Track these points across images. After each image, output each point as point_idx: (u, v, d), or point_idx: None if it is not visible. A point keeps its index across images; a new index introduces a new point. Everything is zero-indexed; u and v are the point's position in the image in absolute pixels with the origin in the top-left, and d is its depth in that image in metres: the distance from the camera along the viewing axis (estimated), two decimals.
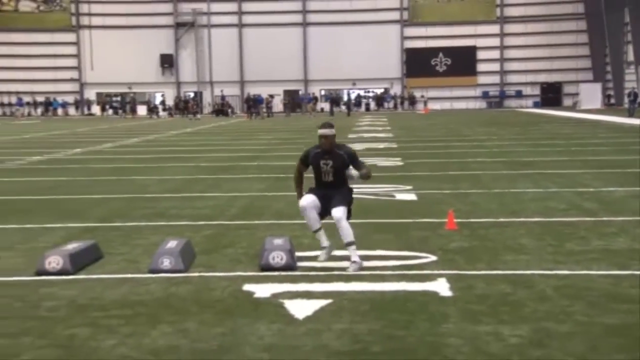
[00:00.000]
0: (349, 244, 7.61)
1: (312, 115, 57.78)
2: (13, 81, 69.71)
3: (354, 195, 8.03)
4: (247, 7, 70.79)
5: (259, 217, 10.96)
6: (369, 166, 8.16)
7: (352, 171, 7.86)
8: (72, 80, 71.18)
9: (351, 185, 7.98)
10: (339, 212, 7.60)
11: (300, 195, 8.00)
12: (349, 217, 7.77)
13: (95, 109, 70.26)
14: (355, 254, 7.59)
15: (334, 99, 64.01)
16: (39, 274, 7.40)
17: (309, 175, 8.10)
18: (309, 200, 7.78)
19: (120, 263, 7.97)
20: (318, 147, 7.93)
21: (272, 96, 62.05)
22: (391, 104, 71.17)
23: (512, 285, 6.81)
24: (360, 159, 8.01)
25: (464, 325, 5.68)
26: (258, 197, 13.08)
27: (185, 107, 64.03)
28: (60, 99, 69.15)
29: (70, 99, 70.54)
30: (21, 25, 70.41)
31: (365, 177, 7.85)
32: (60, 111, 67.54)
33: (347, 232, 7.61)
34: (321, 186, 7.90)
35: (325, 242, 7.89)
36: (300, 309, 6.14)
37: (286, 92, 69.08)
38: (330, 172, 7.84)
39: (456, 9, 70.64)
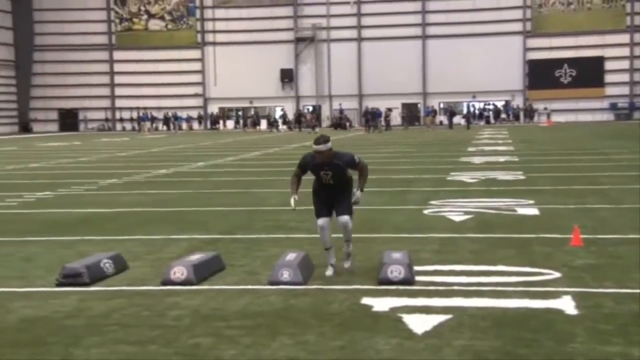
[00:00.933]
0: (348, 240, 8.18)
1: (430, 128, 57.29)
2: (141, 97, 72.65)
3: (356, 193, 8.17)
4: (366, 21, 71.14)
5: (377, 230, 10.93)
6: (365, 166, 8.17)
7: (356, 194, 8.10)
8: (196, 95, 73.48)
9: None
10: (345, 219, 8.03)
11: (293, 193, 8.18)
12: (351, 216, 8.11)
13: (218, 124, 72.24)
14: (350, 248, 8.21)
15: (452, 112, 63.31)
16: (164, 283, 7.62)
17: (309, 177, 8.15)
18: (325, 220, 8.06)
19: (241, 274, 8.11)
20: (315, 157, 8.01)
21: (390, 109, 61.98)
22: (512, 117, 69.71)
23: None
24: (357, 156, 8.10)
25: (592, 345, 5.46)
26: (376, 211, 13.05)
27: (298, 120, 64.94)
28: (185, 113, 71.43)
29: (194, 113, 72.77)
30: (150, 43, 73.35)
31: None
32: (184, 125, 69.79)
33: (350, 234, 8.15)
34: (322, 187, 8.13)
35: (333, 259, 8.13)
36: (419, 323, 6.06)
37: (404, 105, 68.85)
38: (331, 179, 8.04)
39: (582, 18, 68.51)
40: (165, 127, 69.41)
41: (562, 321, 6.11)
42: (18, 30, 72.60)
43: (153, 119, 70.53)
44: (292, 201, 8.17)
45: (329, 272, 8.06)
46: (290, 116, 70.34)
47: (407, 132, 54.13)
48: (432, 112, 63.25)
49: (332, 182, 8.05)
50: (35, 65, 74.31)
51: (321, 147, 7.91)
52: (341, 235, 8.22)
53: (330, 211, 8.13)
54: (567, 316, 6.27)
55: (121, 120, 73.71)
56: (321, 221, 8.07)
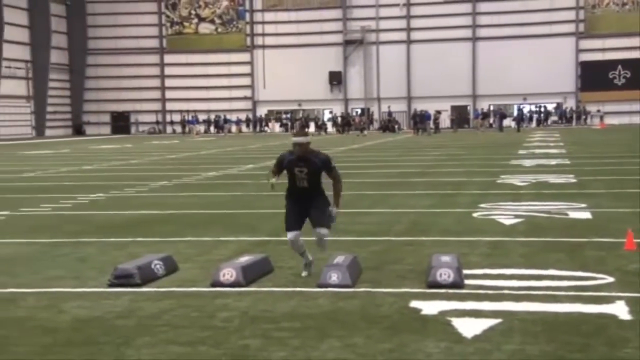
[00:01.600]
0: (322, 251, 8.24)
1: (480, 131, 56.77)
2: (191, 100, 73.46)
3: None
4: (415, 23, 70.84)
5: (426, 233, 10.87)
6: (340, 176, 8.22)
7: (332, 211, 8.07)
8: (245, 98, 73.99)
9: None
10: (324, 231, 8.03)
11: (271, 176, 8.16)
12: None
13: (267, 126, 72.67)
14: (312, 259, 8.16)
15: (503, 114, 62.65)
16: (214, 285, 7.69)
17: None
18: (295, 234, 7.99)
19: (289, 277, 8.14)
20: (293, 153, 7.97)
21: (439, 112, 61.60)
22: (564, 119, 68.73)
23: None
24: (335, 164, 8.11)
25: None
26: (425, 214, 12.98)
27: (347, 122, 65.04)
28: (235, 116, 71.92)
29: (243, 116, 73.20)
30: (200, 46, 74.10)
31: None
32: (234, 128, 70.29)
33: (324, 249, 8.20)
34: (296, 191, 8.05)
35: (309, 258, 8.16)
36: (469, 327, 6.01)
37: (453, 108, 68.38)
38: (305, 178, 7.96)
39: (637, 18, 67.17)
40: (214, 130, 70.03)
41: (615, 326, 6.00)
42: (72, 34, 74.07)
43: (204, 122, 71.27)
44: (272, 182, 8.13)
45: (304, 273, 8.10)
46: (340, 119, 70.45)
47: (457, 135, 53.74)
48: (482, 115, 62.66)
49: (306, 184, 7.97)
50: (89, 69, 75.67)
51: (300, 139, 7.95)
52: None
53: (301, 223, 8.05)
54: (621, 321, 6.16)
55: (171, 123, 74.58)
56: (291, 235, 8.01)
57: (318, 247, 8.17)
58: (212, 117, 71.79)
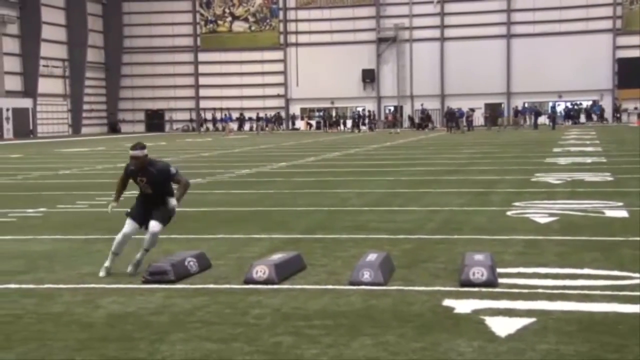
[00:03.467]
0: (147, 250, 8.33)
1: (503, 128, 55.87)
2: (225, 98, 73.83)
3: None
4: (449, 20, 70.46)
5: (459, 231, 10.81)
6: (185, 180, 8.43)
7: (171, 202, 8.25)
8: (278, 96, 74.17)
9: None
10: (156, 227, 8.22)
11: (115, 199, 8.59)
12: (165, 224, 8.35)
13: (300, 124, 72.79)
14: (143, 258, 8.31)
15: (538, 112, 62.02)
16: (247, 282, 7.72)
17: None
18: (132, 226, 8.32)
19: (322, 274, 8.14)
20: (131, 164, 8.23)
21: (472, 109, 61.20)
22: (600, 117, 67.88)
23: None
24: (180, 172, 8.39)
25: None
26: (458, 212, 12.91)
27: (356, 121, 65.14)
28: (269, 114, 71.97)
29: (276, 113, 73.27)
30: (234, 44, 74.42)
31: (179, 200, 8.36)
32: (267, 126, 70.38)
33: (152, 245, 8.35)
34: (142, 196, 8.40)
35: (109, 262, 8.33)
36: (502, 326, 5.97)
37: (487, 105, 67.88)
38: (147, 187, 8.27)
39: None
40: (249, 128, 70.22)
41: None
42: (108, 33, 74.84)
43: (238, 120, 71.54)
44: (109, 207, 8.55)
45: (102, 273, 8.24)
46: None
47: (490, 133, 53.34)
48: (515, 113, 62.28)
49: (150, 190, 8.25)
50: (124, 67, 76.40)
51: (136, 153, 8.19)
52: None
53: (142, 220, 8.27)
54: None
55: (205, 120, 75.03)
56: (128, 227, 8.28)
57: (147, 241, 8.30)
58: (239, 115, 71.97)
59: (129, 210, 8.44)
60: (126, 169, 8.43)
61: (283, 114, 73.48)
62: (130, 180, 8.48)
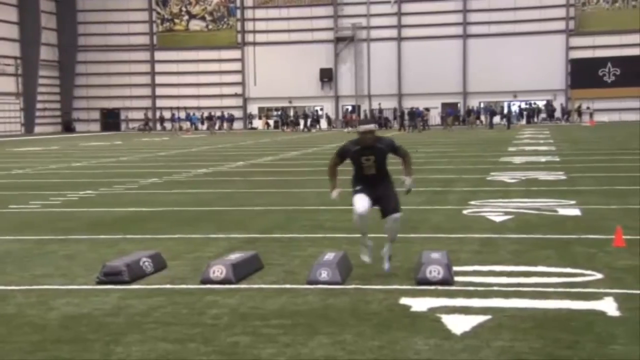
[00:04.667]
0: (393, 240, 8.09)
1: (450, 129, 55.89)
2: (182, 97, 73.32)
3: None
4: (406, 20, 70.92)
5: (416, 230, 10.88)
6: (408, 152, 8.23)
7: (406, 181, 8.06)
8: (236, 95, 73.89)
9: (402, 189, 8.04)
10: (397, 216, 7.93)
11: (333, 187, 8.02)
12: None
13: (258, 123, 72.59)
14: (391, 250, 8.08)
15: (493, 112, 62.78)
16: (203, 282, 7.67)
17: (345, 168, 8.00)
18: (365, 207, 7.81)
19: (279, 274, 8.13)
20: (357, 143, 7.86)
21: (427, 109, 61.62)
22: (554, 116, 68.94)
23: None
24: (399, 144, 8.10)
25: (634, 348, 5.37)
26: (415, 211, 12.98)
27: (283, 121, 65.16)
28: (226, 113, 71.63)
29: (235, 113, 72.93)
30: (191, 43, 73.95)
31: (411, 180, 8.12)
32: (225, 125, 70.05)
33: (396, 234, 8.08)
34: (363, 178, 7.89)
35: (370, 242, 8.13)
36: (458, 324, 6.02)
37: (444, 105, 68.51)
38: (373, 166, 7.85)
39: (627, 16, 67.38)
40: (204, 127, 69.72)
41: (603, 323, 6.02)
42: (62, 31, 73.77)
43: (205, 119, 71.00)
44: (334, 193, 8.01)
45: (367, 258, 8.08)
46: (332, 116, 70.38)
47: (446, 132, 53.79)
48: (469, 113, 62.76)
49: (373, 172, 7.85)
50: (79, 65, 75.44)
51: (371, 127, 7.86)
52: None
53: (371, 202, 7.88)
54: (609, 318, 6.18)
55: (162, 120, 74.37)
56: (362, 204, 7.78)
57: (389, 233, 8.02)
58: (205, 113, 71.42)
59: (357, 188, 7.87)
60: (345, 151, 7.86)
61: (237, 113, 73.08)
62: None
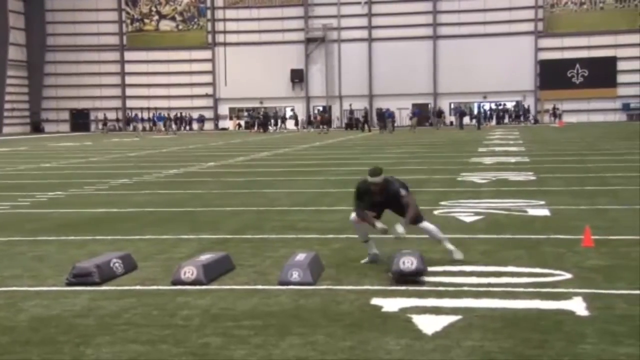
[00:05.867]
0: (440, 240, 8.67)
1: (414, 130, 56.07)
2: (152, 97, 72.89)
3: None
4: (377, 21, 71.14)
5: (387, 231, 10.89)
6: (414, 199, 8.49)
7: (398, 228, 8.16)
8: (207, 95, 73.61)
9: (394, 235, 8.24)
10: (424, 225, 8.55)
11: (372, 223, 8.35)
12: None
13: (228, 124, 72.39)
14: (448, 244, 8.61)
15: (462, 112, 63.15)
16: (174, 283, 7.64)
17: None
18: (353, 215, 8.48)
19: (251, 275, 8.11)
20: (367, 187, 8.36)
21: (395, 110, 61.57)
22: (523, 117, 69.57)
23: None
24: (406, 188, 8.45)
25: (603, 347, 5.44)
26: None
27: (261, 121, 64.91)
28: (197, 114, 71.32)
29: (205, 114, 72.64)
30: (161, 43, 73.54)
31: (412, 222, 8.34)
32: (195, 126, 69.76)
33: (435, 234, 8.65)
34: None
35: (374, 250, 8.53)
36: (429, 324, 6.06)
37: (415, 106, 68.79)
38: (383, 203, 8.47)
39: (595, 18, 68.22)
40: (175, 128, 69.47)
41: (572, 322, 6.09)
42: (30, 30, 72.98)
43: (169, 119, 70.60)
44: (379, 225, 8.29)
45: (365, 260, 8.46)
46: (302, 116, 70.34)
47: (417, 133, 54.02)
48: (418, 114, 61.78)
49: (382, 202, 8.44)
50: (47, 65, 74.68)
51: (377, 180, 8.23)
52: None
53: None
54: (578, 317, 6.25)
55: (130, 120, 73.72)
56: (352, 216, 8.49)
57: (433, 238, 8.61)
58: (175, 114, 71.06)
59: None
60: (361, 193, 8.46)
61: (208, 114, 72.79)
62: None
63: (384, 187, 8.27)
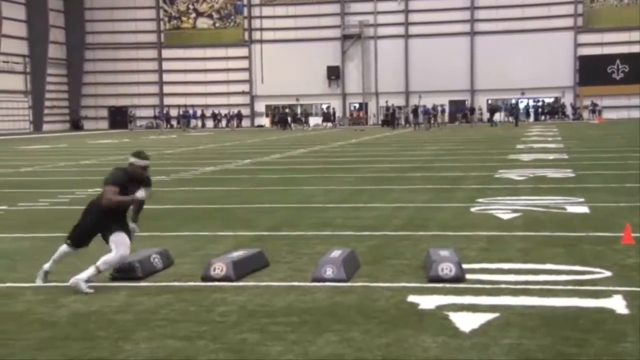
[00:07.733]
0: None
1: (428, 128, 55.32)
2: (189, 95, 73.39)
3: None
4: (413, 17, 70.77)
5: (423, 228, 10.87)
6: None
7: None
8: (243, 93, 73.91)
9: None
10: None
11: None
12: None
13: (265, 121, 72.60)
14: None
15: (493, 109, 62.56)
16: (204, 279, 7.68)
17: None
18: None
19: (287, 271, 8.14)
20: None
21: (417, 106, 61.13)
22: (562, 114, 68.77)
23: None
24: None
25: None
26: (422, 208, 12.98)
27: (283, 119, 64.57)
28: (235, 111, 71.48)
29: (244, 111, 72.90)
30: (198, 41, 73.97)
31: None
32: (223, 123, 69.65)
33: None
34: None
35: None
36: (466, 322, 6.02)
37: (452, 102, 68.36)
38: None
39: (636, 13, 67.06)
40: (212, 125, 69.77)
41: (612, 321, 6.01)
42: (70, 29, 73.84)
43: (202, 117, 71.01)
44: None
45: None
46: (339, 114, 70.28)
47: (454, 130, 53.69)
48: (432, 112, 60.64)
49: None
50: (86, 63, 75.52)
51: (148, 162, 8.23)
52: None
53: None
54: (618, 316, 6.17)
55: (169, 118, 74.33)
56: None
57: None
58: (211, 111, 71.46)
59: None
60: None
61: (245, 111, 73.07)
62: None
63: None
